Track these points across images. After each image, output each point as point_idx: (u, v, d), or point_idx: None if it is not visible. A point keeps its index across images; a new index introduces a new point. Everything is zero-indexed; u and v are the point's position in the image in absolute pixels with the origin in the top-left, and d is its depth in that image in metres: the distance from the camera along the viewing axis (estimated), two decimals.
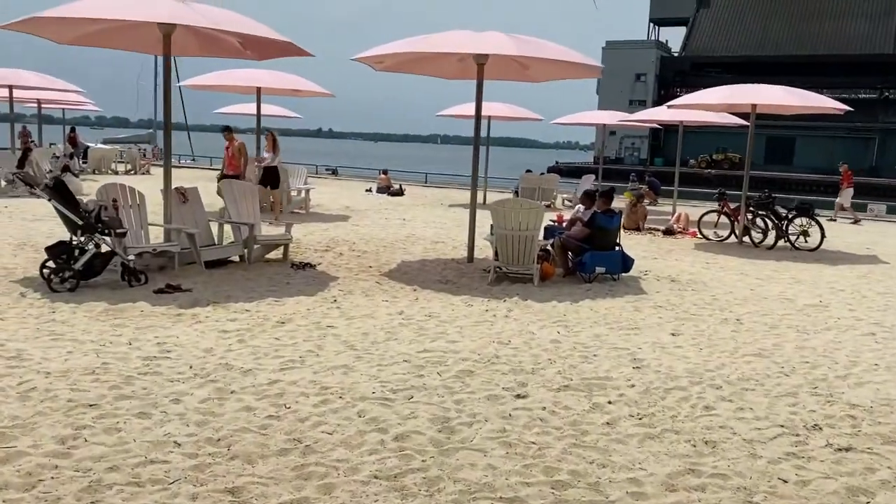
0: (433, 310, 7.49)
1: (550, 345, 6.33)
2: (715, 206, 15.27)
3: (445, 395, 4.92)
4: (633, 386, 5.35)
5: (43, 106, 24.40)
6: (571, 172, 46.28)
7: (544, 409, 4.78)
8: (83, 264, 7.62)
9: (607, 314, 7.67)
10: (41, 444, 3.86)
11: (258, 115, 16.05)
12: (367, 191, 24.03)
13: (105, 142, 36.54)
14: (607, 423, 4.60)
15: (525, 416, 4.63)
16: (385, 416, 4.48)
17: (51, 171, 19.19)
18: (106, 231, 7.74)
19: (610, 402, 4.97)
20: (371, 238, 12.51)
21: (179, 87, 22.37)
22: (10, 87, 18.41)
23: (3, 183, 17.35)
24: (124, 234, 7.97)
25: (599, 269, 9.46)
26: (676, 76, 66.39)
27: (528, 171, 23.56)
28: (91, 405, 4.43)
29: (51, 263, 7.88)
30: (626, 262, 9.74)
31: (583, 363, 5.86)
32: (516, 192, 20.54)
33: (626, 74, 65.67)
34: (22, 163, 17.30)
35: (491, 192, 21.43)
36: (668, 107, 16.26)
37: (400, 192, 22.61)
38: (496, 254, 9.26)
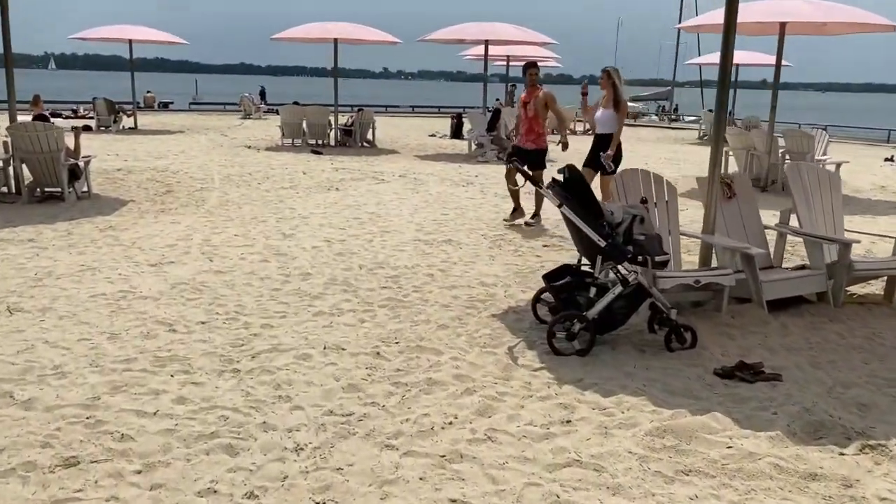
0: None
1: None
2: None
3: None
4: None
5: (511, 63, 23.29)
6: None
7: None
8: (601, 311, 4.62)
9: None
10: None
11: (777, 63, 11.49)
12: (886, 160, 18.14)
13: (632, 99, 34.81)
14: None
15: None
16: None
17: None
18: (640, 258, 4.60)
19: None
20: None
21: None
22: (486, 42, 17.10)
23: (474, 146, 16.17)
24: (665, 264, 4.74)
25: None
26: None
27: None
28: None
29: (547, 296, 5.12)
30: None
31: None
32: None
33: None
34: (493, 125, 15.86)
35: None
36: None
37: None
38: None
